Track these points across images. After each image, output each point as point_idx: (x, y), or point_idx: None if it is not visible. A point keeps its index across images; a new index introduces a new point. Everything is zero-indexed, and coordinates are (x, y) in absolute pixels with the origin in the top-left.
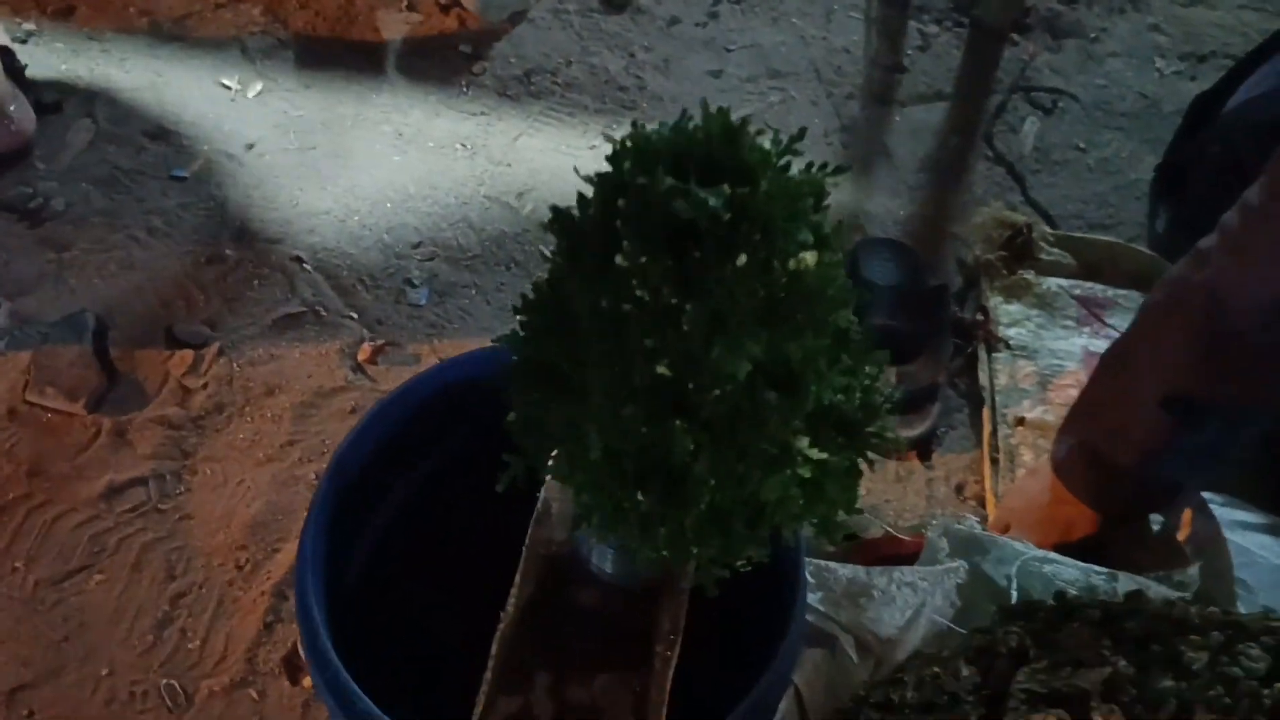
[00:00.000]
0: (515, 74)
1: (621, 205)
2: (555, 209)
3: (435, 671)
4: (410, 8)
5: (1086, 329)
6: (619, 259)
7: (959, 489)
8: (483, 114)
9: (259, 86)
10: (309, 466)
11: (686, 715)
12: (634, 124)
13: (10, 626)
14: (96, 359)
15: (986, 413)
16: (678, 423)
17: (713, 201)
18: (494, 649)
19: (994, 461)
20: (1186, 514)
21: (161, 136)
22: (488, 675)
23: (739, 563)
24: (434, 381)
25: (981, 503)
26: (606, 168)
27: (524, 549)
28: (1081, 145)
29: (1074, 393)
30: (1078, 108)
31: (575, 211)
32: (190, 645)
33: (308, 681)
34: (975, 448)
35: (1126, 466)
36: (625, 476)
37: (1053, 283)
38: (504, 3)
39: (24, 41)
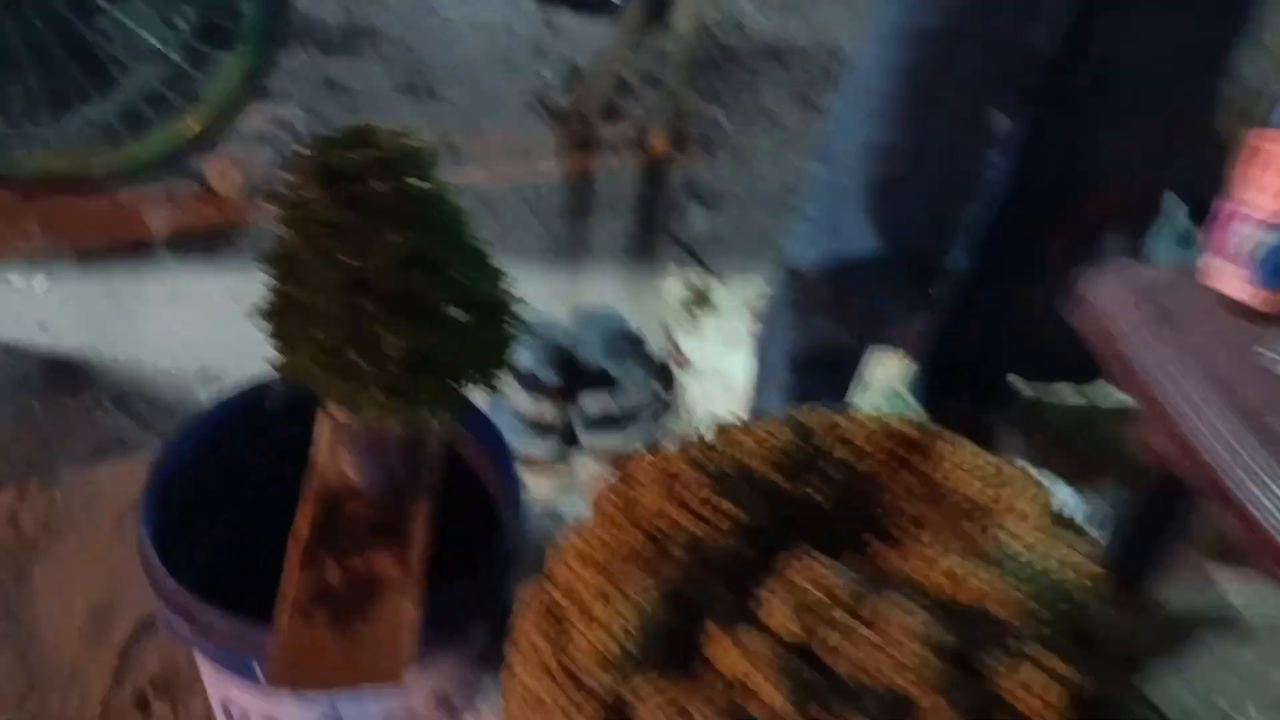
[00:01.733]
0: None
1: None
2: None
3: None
4: (171, 202)
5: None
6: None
7: None
8: (244, 271)
9: (44, 283)
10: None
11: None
12: None
13: None
14: None
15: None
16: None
17: (360, 155)
18: (289, 547)
19: None
20: None
21: None
22: (287, 563)
23: (440, 413)
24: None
25: None
26: None
27: (306, 486)
28: (738, 225)
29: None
30: (734, 198)
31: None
32: (52, 708)
33: (156, 716)
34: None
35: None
36: (341, 353)
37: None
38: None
39: None
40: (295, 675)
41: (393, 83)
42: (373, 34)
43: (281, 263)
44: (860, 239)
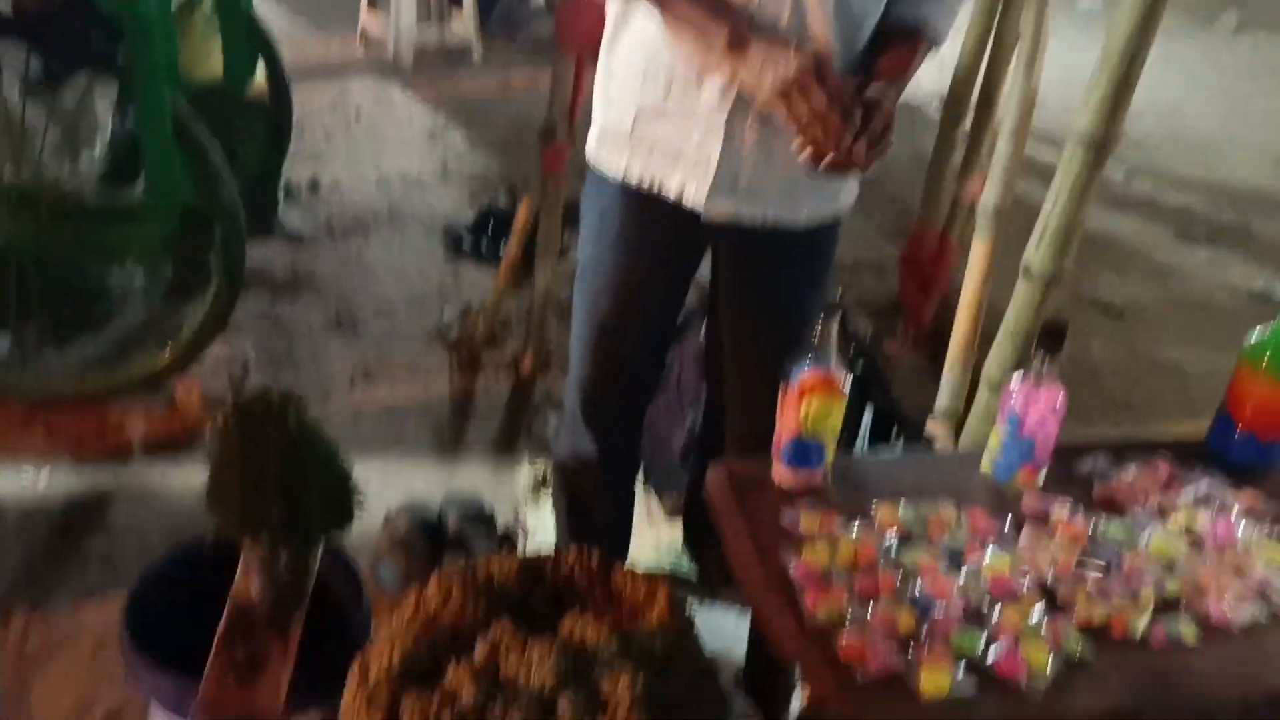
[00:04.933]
0: None
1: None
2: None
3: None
4: (147, 415)
5: None
6: None
7: None
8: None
9: (47, 475)
10: (111, 667)
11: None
12: None
13: None
14: None
15: None
16: (262, 487)
17: (259, 405)
18: (215, 640)
19: None
20: None
21: None
22: (214, 648)
23: (305, 550)
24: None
25: None
26: None
27: (228, 602)
28: None
29: None
30: None
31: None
32: None
33: None
34: None
35: None
36: (248, 514)
37: None
38: (214, 405)
39: None
40: (214, 713)
41: (325, 319)
42: (312, 281)
43: (213, 464)
44: (583, 445)
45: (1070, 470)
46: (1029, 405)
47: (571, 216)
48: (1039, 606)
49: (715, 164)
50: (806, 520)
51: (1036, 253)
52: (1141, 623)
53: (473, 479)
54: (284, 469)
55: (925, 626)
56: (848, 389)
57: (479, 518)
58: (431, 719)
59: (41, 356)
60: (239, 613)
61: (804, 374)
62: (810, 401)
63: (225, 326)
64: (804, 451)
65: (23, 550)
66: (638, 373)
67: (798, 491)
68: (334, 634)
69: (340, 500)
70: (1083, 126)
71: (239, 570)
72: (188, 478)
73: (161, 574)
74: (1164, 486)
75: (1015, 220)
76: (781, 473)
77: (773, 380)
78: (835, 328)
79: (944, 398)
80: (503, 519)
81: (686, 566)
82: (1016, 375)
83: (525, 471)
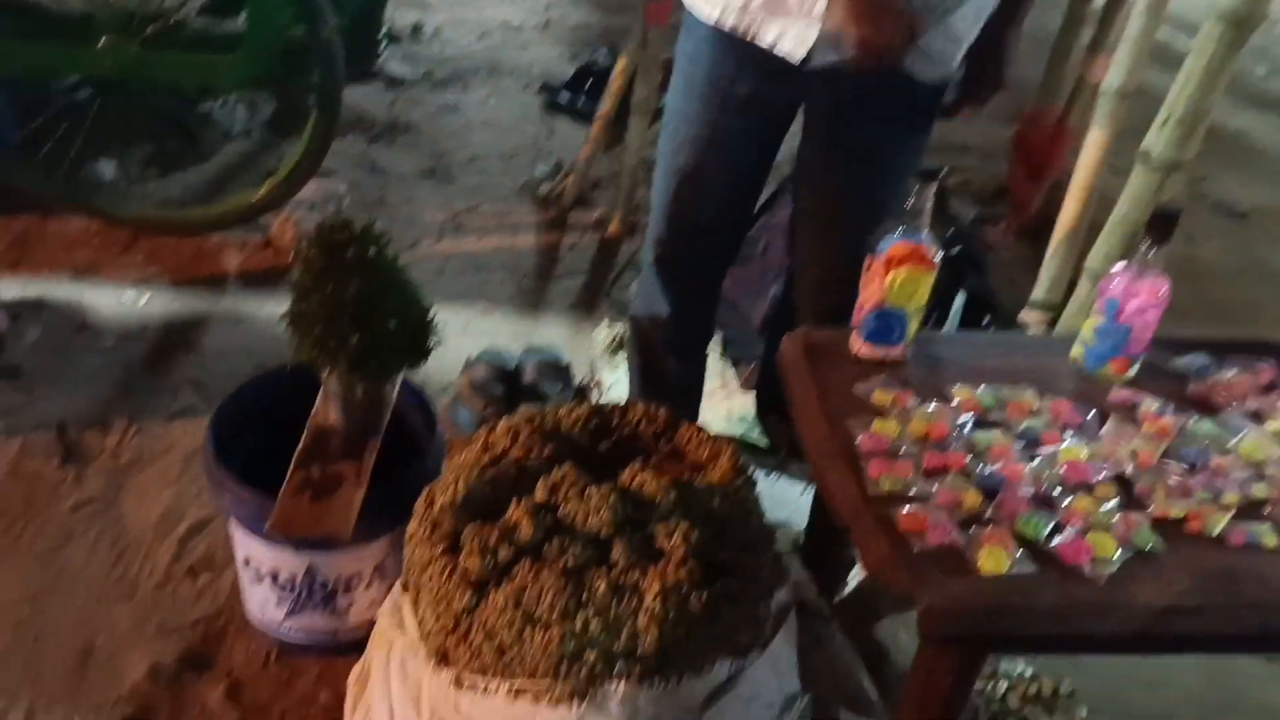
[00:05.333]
0: None
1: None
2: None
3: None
4: (243, 247)
5: None
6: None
7: None
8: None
9: (146, 298)
10: (198, 484)
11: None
12: None
13: (25, 570)
14: (59, 439)
15: None
16: (340, 316)
17: (340, 235)
18: (293, 458)
19: None
20: None
21: (84, 329)
22: (292, 466)
23: (382, 382)
24: (267, 375)
25: None
26: None
27: (308, 423)
28: None
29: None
30: None
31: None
32: (133, 571)
33: (200, 581)
34: None
35: None
36: (325, 342)
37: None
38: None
39: None
40: (288, 527)
41: (419, 166)
42: (409, 128)
43: (297, 291)
44: (658, 304)
45: (1165, 366)
46: (1130, 293)
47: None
48: (1113, 498)
49: (818, 12)
50: (880, 394)
51: (1158, 137)
52: (1221, 523)
53: (552, 335)
54: (362, 299)
55: (990, 507)
56: (938, 261)
57: (555, 370)
58: (490, 549)
59: (145, 184)
60: (317, 437)
61: (893, 244)
62: (897, 272)
63: (320, 165)
64: (885, 324)
65: (120, 367)
66: (716, 232)
67: (875, 365)
68: (407, 467)
69: (417, 336)
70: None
71: (319, 397)
72: (278, 309)
73: (248, 396)
74: (1263, 390)
75: (1136, 110)
76: (859, 344)
77: (857, 250)
78: (931, 197)
79: (1041, 288)
80: (579, 375)
81: (757, 437)
82: (1120, 263)
83: (604, 332)
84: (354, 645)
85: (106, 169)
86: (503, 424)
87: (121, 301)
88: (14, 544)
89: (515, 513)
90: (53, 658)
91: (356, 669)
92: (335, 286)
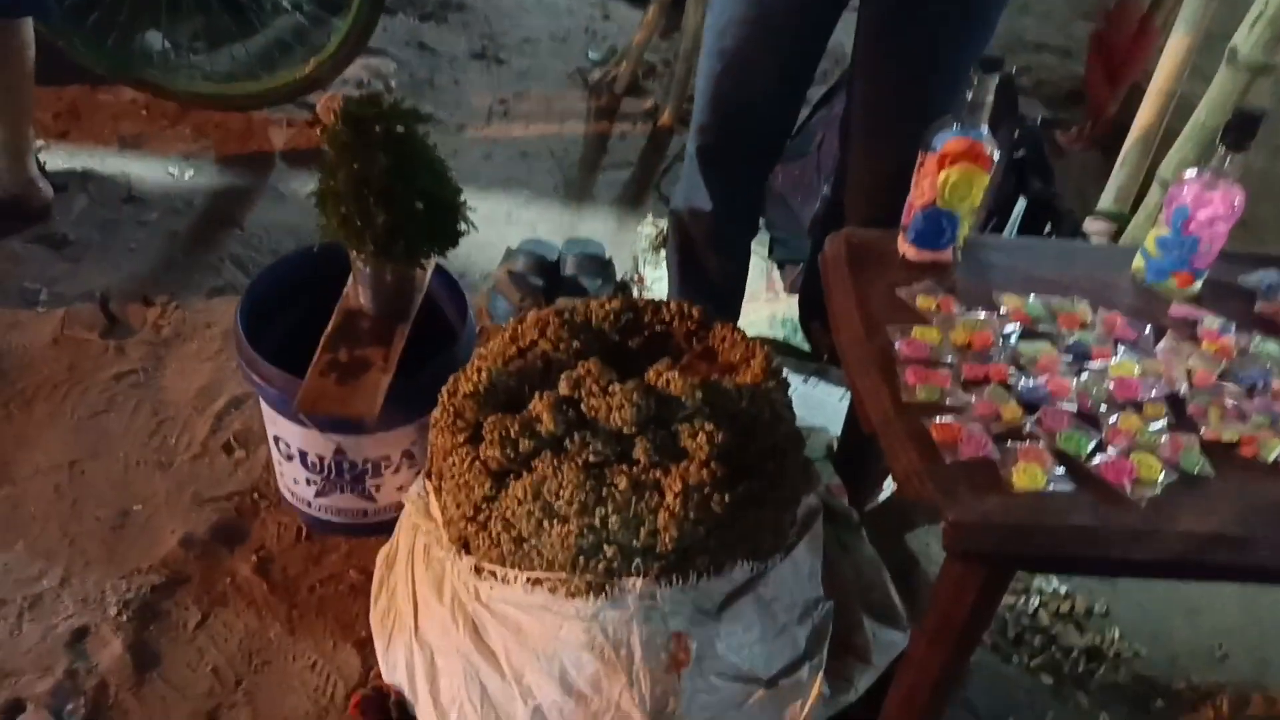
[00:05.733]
0: None
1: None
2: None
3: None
4: (289, 124)
5: None
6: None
7: None
8: None
9: (191, 172)
10: (232, 361)
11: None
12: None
13: (65, 435)
14: (102, 311)
15: None
16: (367, 193)
17: (369, 110)
18: (322, 339)
19: None
20: None
21: (130, 200)
22: (319, 347)
23: (410, 264)
24: (294, 255)
25: None
26: None
27: (337, 306)
28: None
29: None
30: None
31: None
32: (170, 441)
33: (235, 455)
34: None
35: None
36: (352, 221)
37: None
38: None
39: (40, 150)
40: (313, 408)
41: (469, 48)
42: (461, 7)
43: (325, 168)
44: (699, 196)
45: (1232, 283)
46: (1200, 201)
47: None
48: (1163, 418)
49: None
50: (924, 299)
51: (1248, 36)
52: (1276, 449)
53: (595, 229)
54: (389, 177)
55: (1030, 422)
56: (996, 159)
57: (597, 265)
58: (510, 440)
59: (192, 57)
60: (346, 319)
61: (948, 139)
62: (950, 171)
63: (368, 42)
64: (935, 225)
65: (165, 240)
66: (763, 121)
67: (921, 268)
68: (438, 354)
69: (446, 220)
70: None
71: (349, 280)
72: None
73: (281, 276)
74: None
75: (1227, 12)
76: (906, 246)
77: (911, 154)
78: (992, 89)
79: (1110, 196)
80: (621, 270)
81: (800, 342)
82: (1192, 170)
83: (649, 227)
84: (383, 526)
85: (154, 41)
86: (531, 315)
87: (168, 174)
88: (56, 410)
89: (537, 405)
90: (89, 522)
91: (385, 549)
92: (361, 164)
